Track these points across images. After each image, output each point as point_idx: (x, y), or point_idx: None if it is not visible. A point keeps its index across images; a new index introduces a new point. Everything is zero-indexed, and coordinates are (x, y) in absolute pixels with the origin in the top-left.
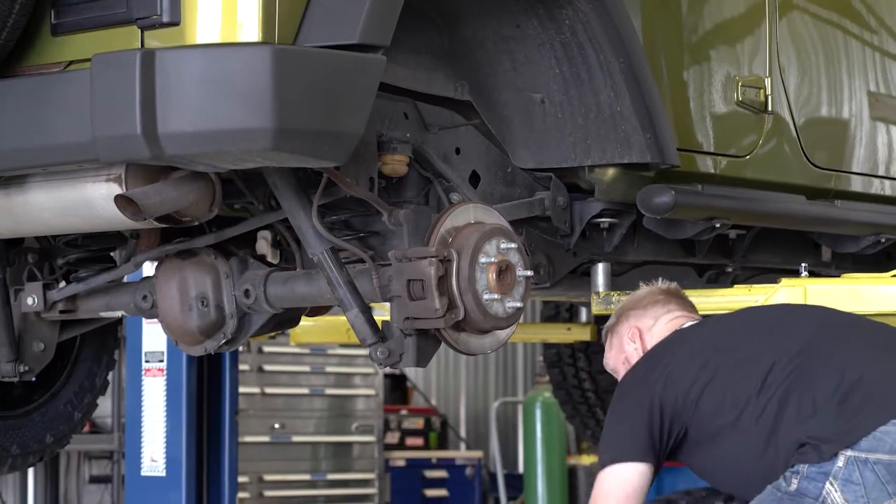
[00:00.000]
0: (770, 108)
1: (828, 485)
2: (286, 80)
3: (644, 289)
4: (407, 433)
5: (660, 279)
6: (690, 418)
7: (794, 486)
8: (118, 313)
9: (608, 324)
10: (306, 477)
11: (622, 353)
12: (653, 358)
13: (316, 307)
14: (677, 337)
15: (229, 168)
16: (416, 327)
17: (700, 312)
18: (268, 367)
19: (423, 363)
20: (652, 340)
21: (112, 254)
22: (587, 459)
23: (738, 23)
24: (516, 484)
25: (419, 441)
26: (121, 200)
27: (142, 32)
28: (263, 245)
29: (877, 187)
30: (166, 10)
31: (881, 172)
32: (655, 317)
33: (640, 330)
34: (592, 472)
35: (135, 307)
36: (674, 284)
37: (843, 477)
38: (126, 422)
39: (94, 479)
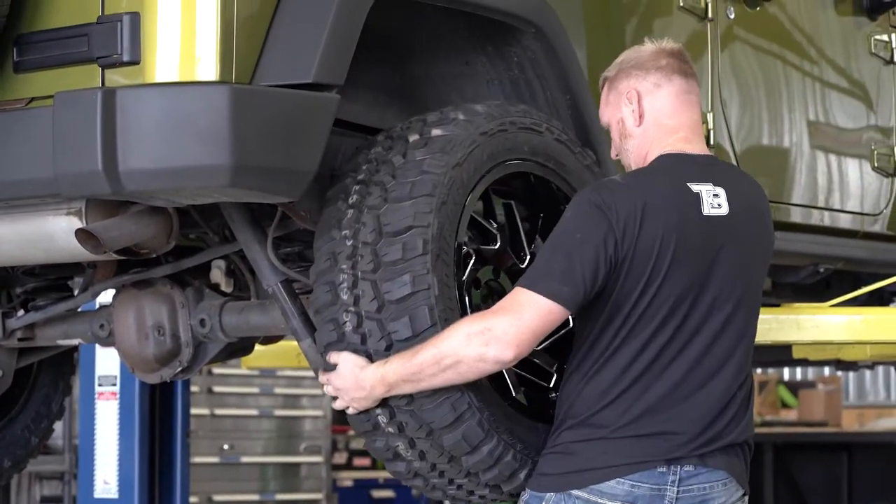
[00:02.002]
0: (712, 142)
1: None
2: (243, 118)
3: (650, 45)
4: (354, 453)
5: (666, 38)
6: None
7: None
8: (76, 341)
9: (607, 72)
10: (255, 497)
11: (618, 112)
12: (634, 188)
13: (269, 336)
14: (669, 180)
15: (187, 203)
16: None
17: None
18: (217, 389)
19: None
20: (651, 108)
21: (68, 283)
22: None
23: None
24: None
25: (367, 461)
26: (81, 234)
27: (102, 71)
28: (217, 274)
29: (816, 218)
30: (126, 49)
31: (820, 204)
32: (657, 84)
33: (638, 93)
34: None
35: (92, 335)
36: (678, 46)
37: None
38: (79, 444)
39: (45, 500)
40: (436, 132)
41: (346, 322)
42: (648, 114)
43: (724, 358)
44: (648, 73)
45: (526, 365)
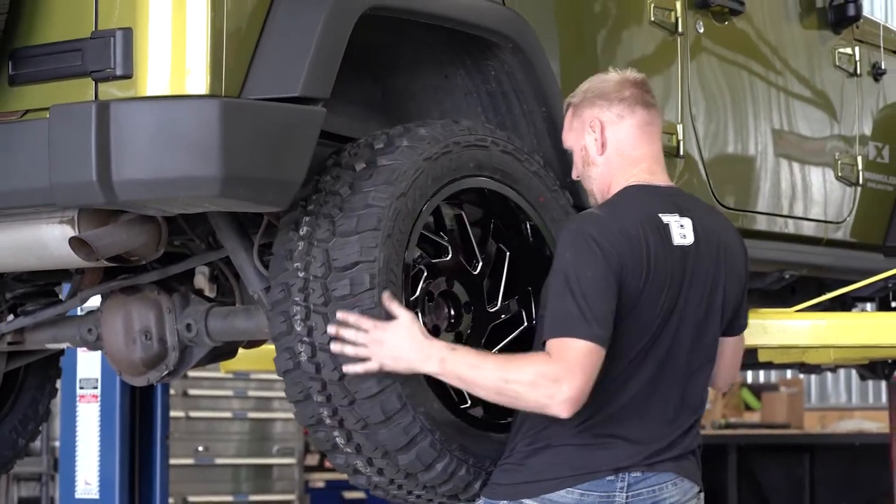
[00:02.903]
0: (682, 153)
1: None
2: (232, 130)
3: (614, 75)
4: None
5: (629, 69)
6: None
7: None
8: (64, 345)
9: (571, 98)
10: (229, 498)
11: (581, 140)
12: (614, 220)
13: (253, 340)
14: (643, 211)
15: (178, 212)
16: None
17: None
18: (192, 392)
19: None
20: (614, 139)
21: (56, 288)
22: None
23: (651, 70)
24: None
25: None
26: (75, 242)
27: (96, 84)
28: (202, 280)
29: (781, 226)
30: (119, 63)
31: (786, 212)
32: (620, 115)
33: (602, 123)
34: None
35: (80, 339)
36: (641, 76)
37: None
38: (61, 446)
39: (23, 501)
40: (381, 161)
41: (301, 352)
42: (611, 144)
43: (684, 380)
44: (612, 103)
45: None
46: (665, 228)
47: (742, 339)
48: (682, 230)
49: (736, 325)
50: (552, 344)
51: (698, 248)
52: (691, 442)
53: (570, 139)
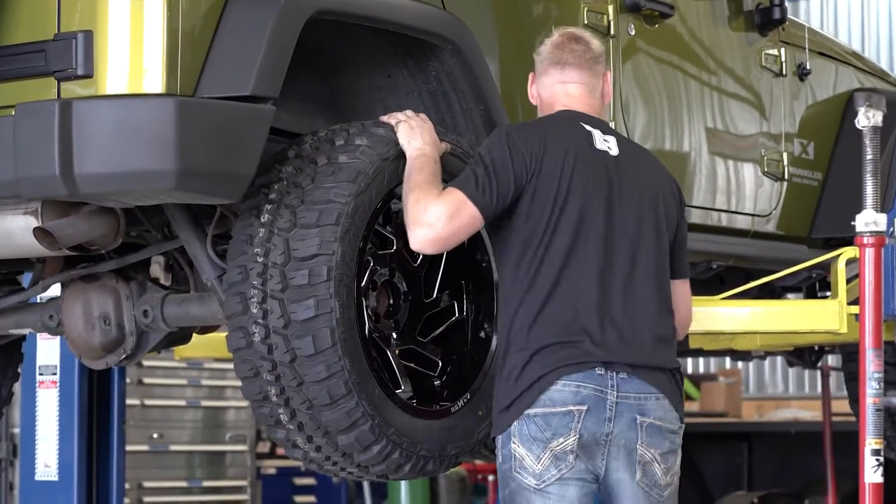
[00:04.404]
0: None
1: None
2: (187, 127)
3: (554, 35)
4: None
5: (566, 27)
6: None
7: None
8: (26, 330)
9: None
10: (183, 484)
11: (529, 90)
12: (538, 125)
13: (207, 326)
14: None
15: (136, 204)
16: None
17: None
18: (147, 380)
19: None
20: (539, 90)
21: (17, 277)
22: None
23: None
24: (381, 491)
25: None
26: (39, 232)
27: (58, 83)
28: (157, 269)
29: (711, 219)
30: (81, 63)
31: (716, 205)
32: (541, 72)
33: (532, 76)
34: (453, 480)
35: (42, 325)
36: (572, 33)
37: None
38: (21, 430)
39: None
40: (342, 159)
41: (254, 333)
42: (538, 94)
43: (643, 287)
44: (540, 60)
45: (413, 356)
46: (588, 135)
47: (687, 285)
48: (605, 142)
49: (678, 269)
50: (445, 190)
51: (624, 161)
52: (666, 359)
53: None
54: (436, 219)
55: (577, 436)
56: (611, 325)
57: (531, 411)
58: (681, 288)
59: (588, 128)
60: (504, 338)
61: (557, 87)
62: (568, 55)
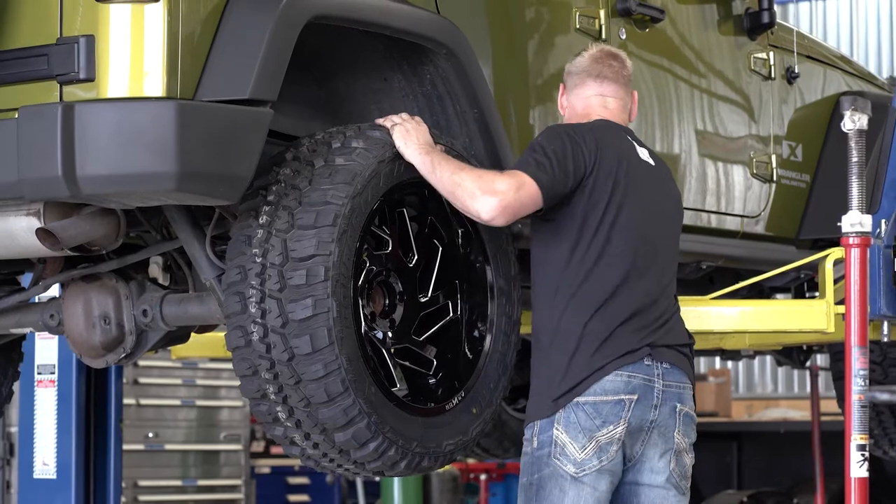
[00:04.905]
0: None
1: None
2: (187, 130)
3: (590, 49)
4: (272, 442)
5: (604, 44)
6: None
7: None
8: (27, 329)
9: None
10: (178, 483)
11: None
12: (591, 127)
13: (205, 325)
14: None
15: (137, 205)
16: None
17: None
18: (142, 380)
19: None
20: (569, 102)
21: (17, 277)
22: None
23: None
24: (374, 490)
25: (283, 449)
26: (41, 233)
27: (61, 87)
28: (155, 269)
29: (702, 220)
30: (83, 67)
31: (706, 207)
32: (575, 84)
33: (563, 87)
34: (445, 479)
35: (43, 324)
36: (610, 51)
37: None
38: (19, 428)
39: None
40: (339, 161)
41: (253, 332)
42: (569, 106)
43: (667, 282)
44: (572, 74)
45: (409, 355)
46: (632, 145)
47: None
48: (643, 151)
49: None
50: (506, 171)
51: (657, 171)
52: (691, 359)
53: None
54: (506, 188)
55: (626, 424)
56: (653, 318)
57: (581, 399)
58: None
59: (630, 138)
60: (549, 326)
61: (595, 100)
62: (607, 69)
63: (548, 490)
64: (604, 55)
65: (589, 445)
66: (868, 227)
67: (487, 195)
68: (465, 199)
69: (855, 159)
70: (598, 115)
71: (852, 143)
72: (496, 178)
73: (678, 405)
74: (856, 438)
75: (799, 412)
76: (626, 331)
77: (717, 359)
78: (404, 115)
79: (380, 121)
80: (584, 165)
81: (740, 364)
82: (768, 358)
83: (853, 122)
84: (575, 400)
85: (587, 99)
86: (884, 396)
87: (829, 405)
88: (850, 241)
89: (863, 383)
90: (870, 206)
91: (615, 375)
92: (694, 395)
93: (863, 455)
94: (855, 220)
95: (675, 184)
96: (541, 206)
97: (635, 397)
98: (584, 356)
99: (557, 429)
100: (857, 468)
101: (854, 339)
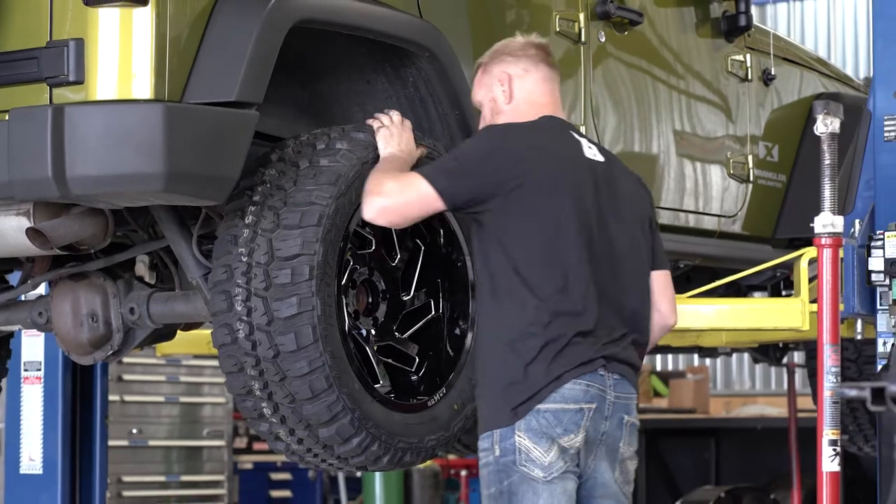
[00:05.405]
0: None
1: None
2: (175, 132)
3: (520, 38)
4: (254, 438)
5: (534, 34)
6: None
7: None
8: (16, 327)
9: (481, 59)
10: (161, 478)
11: (490, 93)
12: (525, 131)
13: (191, 323)
14: (549, 138)
15: (125, 205)
16: None
17: None
18: (126, 377)
19: None
20: (520, 89)
21: (6, 276)
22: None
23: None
24: (355, 486)
25: (265, 445)
26: (31, 232)
27: (51, 89)
28: (142, 268)
29: (679, 219)
30: (72, 70)
31: (683, 207)
32: (526, 69)
33: (510, 77)
34: (426, 475)
35: (31, 322)
36: (544, 41)
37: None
38: (5, 424)
39: None
40: (323, 162)
41: (239, 329)
42: (518, 94)
43: (625, 282)
44: (518, 59)
45: (392, 352)
46: (578, 143)
47: (668, 275)
48: (591, 149)
49: (658, 261)
50: (418, 175)
51: (608, 167)
52: (637, 360)
53: (479, 94)
54: (390, 190)
55: (584, 433)
56: (610, 327)
57: (542, 406)
58: (664, 278)
59: (576, 136)
60: (502, 330)
61: (538, 87)
62: (543, 54)
63: (521, 494)
64: (535, 42)
65: (553, 448)
66: (840, 228)
67: (373, 196)
68: (362, 197)
69: (827, 162)
70: (542, 103)
71: (824, 147)
72: (386, 180)
73: (625, 416)
74: (827, 434)
75: (776, 409)
76: (585, 340)
77: (696, 356)
78: (394, 116)
79: (370, 120)
80: (511, 171)
81: (718, 361)
82: (746, 355)
83: (825, 125)
84: (536, 407)
85: (539, 86)
86: (852, 393)
87: (806, 402)
88: (823, 241)
89: (834, 380)
90: (844, 207)
91: (574, 384)
92: (637, 404)
93: (834, 450)
94: (827, 221)
95: (630, 177)
96: (445, 209)
97: (594, 406)
98: (541, 364)
99: (519, 435)
100: (829, 462)
101: (826, 336)
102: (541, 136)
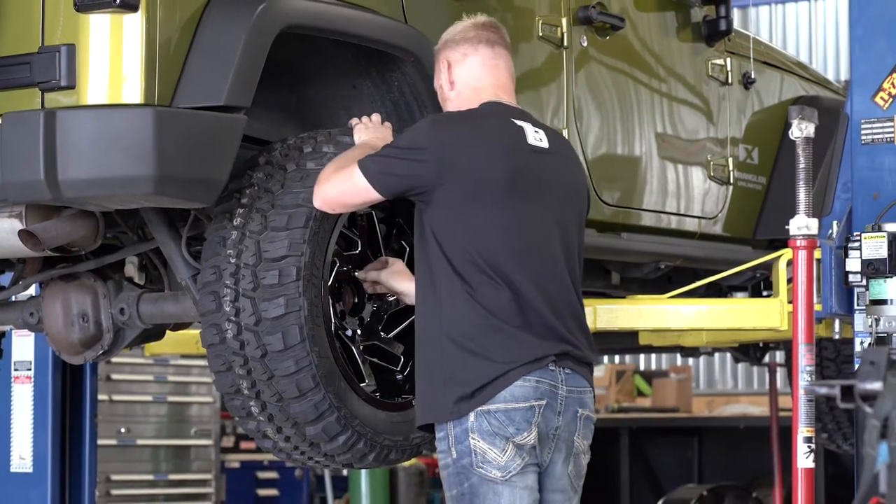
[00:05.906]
0: None
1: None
2: (165, 136)
3: (463, 20)
4: (242, 437)
5: (481, 14)
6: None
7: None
8: (7, 327)
9: (435, 47)
10: (149, 477)
11: (438, 81)
12: (460, 123)
13: (180, 323)
14: (487, 125)
15: (116, 208)
16: None
17: None
18: (115, 376)
19: None
20: (460, 75)
21: None
22: (407, 461)
23: (539, 80)
24: (341, 484)
25: (253, 444)
26: (23, 234)
27: (42, 94)
28: (131, 269)
29: (660, 221)
30: (64, 75)
31: (664, 208)
32: (465, 54)
33: (449, 63)
34: (412, 473)
35: (23, 322)
36: (490, 20)
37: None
38: None
39: None
40: (310, 165)
41: (227, 329)
42: (459, 80)
43: (564, 276)
44: (457, 44)
45: (377, 352)
46: (520, 130)
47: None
48: (536, 135)
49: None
50: (356, 164)
51: (553, 154)
52: (589, 353)
53: (435, 82)
54: (330, 178)
55: (536, 429)
56: (553, 320)
57: (492, 407)
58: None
59: (519, 123)
60: (443, 328)
61: (477, 72)
62: (494, 34)
63: (482, 495)
64: (486, 21)
65: (508, 447)
66: (814, 230)
67: (318, 184)
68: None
69: (802, 166)
70: (491, 90)
71: (800, 151)
72: (333, 170)
73: (579, 409)
74: (802, 431)
75: (758, 408)
76: (529, 334)
77: (678, 356)
78: (374, 117)
79: (352, 121)
80: (439, 162)
81: (701, 361)
82: (728, 355)
83: (801, 130)
84: (486, 408)
85: (479, 70)
86: (822, 390)
87: (788, 401)
88: (798, 243)
89: (809, 378)
90: (822, 209)
91: (523, 381)
92: (594, 396)
93: (809, 447)
94: (802, 224)
95: (577, 164)
96: (381, 198)
97: (544, 402)
98: (486, 359)
99: (473, 438)
100: (804, 459)
101: (801, 336)
102: (476, 125)
